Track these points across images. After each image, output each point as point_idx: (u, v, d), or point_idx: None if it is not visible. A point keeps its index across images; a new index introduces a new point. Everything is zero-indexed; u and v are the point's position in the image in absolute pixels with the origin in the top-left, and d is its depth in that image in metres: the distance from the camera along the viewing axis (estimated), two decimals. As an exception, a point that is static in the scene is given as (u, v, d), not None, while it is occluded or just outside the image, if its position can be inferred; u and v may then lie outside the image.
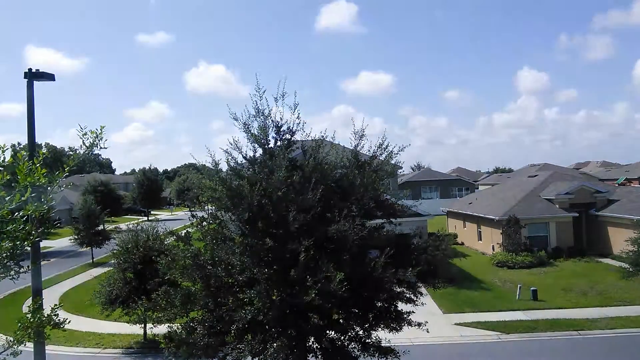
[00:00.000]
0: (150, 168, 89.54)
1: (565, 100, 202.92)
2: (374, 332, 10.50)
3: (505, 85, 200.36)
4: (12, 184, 5.19)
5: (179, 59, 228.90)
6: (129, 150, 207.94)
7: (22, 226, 5.44)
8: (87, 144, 5.54)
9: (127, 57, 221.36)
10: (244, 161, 10.95)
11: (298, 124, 10.72)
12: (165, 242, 19.44)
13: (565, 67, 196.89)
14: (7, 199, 5.04)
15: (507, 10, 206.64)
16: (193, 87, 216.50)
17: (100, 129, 5.57)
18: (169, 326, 10.43)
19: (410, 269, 9.62)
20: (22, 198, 5.05)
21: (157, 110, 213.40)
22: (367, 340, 10.41)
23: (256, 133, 10.68)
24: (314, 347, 10.18)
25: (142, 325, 19.39)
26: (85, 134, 5.54)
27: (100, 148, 5.61)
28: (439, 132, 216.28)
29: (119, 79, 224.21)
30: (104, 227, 42.66)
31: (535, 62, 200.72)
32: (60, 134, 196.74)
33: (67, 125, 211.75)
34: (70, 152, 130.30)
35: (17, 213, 5.35)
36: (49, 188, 5.40)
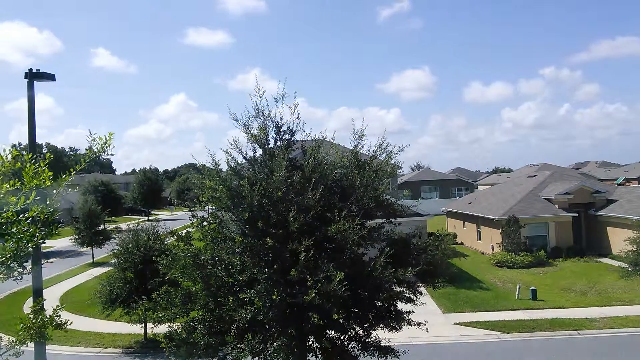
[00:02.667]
0: (150, 168, 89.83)
1: (578, 99, 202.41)
2: (373, 331, 10.55)
3: (523, 83, 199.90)
4: (17, 186, 5.24)
5: (216, 60, 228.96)
6: (139, 150, 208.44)
7: (26, 228, 5.49)
8: (96, 149, 5.62)
9: (166, 57, 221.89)
10: (244, 161, 11.01)
11: (298, 124, 10.79)
12: (166, 242, 19.49)
13: (587, 66, 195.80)
14: (12, 200, 5.09)
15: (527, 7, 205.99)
16: (227, 89, 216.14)
17: (109, 136, 5.66)
18: (169, 326, 10.46)
19: (410, 268, 9.67)
20: (27, 200, 5.11)
21: (180, 107, 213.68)
22: (367, 340, 10.46)
23: (256, 133, 10.73)
24: (314, 346, 10.24)
25: (143, 325, 19.44)
26: (94, 139, 5.63)
27: (108, 155, 5.70)
28: (454, 130, 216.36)
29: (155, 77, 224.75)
30: (104, 227, 42.68)
31: (557, 62, 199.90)
32: (81, 132, 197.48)
33: (88, 123, 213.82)
34: (71, 153, 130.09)
35: (22, 215, 5.40)
36: (55, 191, 5.47)
